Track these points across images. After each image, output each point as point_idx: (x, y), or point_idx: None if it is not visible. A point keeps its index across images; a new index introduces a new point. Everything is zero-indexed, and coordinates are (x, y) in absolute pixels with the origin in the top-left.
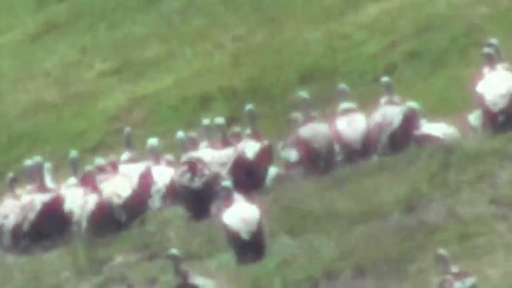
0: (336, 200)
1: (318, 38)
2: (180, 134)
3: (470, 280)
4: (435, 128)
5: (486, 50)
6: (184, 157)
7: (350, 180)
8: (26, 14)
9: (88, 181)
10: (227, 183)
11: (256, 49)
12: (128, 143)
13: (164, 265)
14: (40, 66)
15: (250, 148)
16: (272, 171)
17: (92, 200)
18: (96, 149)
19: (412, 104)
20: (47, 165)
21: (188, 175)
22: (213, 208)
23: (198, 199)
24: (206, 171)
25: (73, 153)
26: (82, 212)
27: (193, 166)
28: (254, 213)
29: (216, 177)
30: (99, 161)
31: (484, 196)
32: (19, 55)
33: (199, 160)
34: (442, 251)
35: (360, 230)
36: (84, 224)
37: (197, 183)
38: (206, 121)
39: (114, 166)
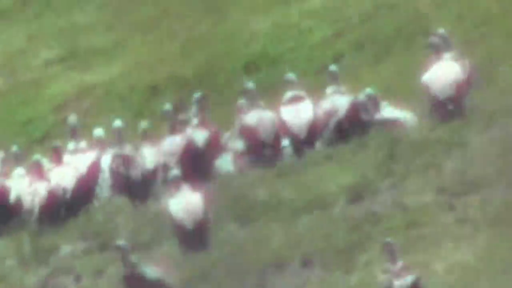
0: (282, 189)
1: (264, 26)
2: (117, 122)
3: (410, 278)
4: (394, 112)
5: (432, 40)
6: (117, 148)
7: (297, 169)
8: None
9: (36, 170)
10: (175, 172)
11: (204, 38)
12: (73, 133)
13: (112, 255)
14: None
15: (199, 136)
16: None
17: (42, 188)
18: (44, 138)
19: (369, 90)
20: (1, 155)
21: (123, 167)
22: (160, 197)
23: (135, 189)
24: (140, 162)
25: (15, 148)
26: (33, 200)
27: (126, 158)
28: (199, 202)
29: (163, 167)
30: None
31: (431, 186)
32: None
33: (133, 152)
34: (389, 240)
35: (307, 219)
36: (35, 212)
37: (133, 174)
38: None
39: (57, 154)
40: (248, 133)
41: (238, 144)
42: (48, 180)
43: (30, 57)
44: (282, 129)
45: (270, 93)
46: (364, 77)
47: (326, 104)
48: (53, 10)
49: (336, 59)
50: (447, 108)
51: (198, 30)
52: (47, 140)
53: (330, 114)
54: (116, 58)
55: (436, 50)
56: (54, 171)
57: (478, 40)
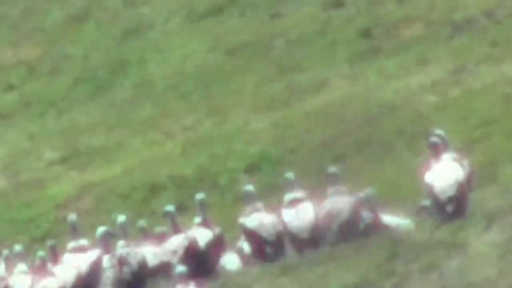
0: (284, 287)
1: (265, 127)
2: (121, 218)
3: None
4: (389, 219)
5: (432, 140)
6: (119, 246)
7: (299, 268)
8: None
9: (40, 267)
10: (181, 268)
11: (205, 138)
12: (74, 231)
13: None
14: None
15: (202, 236)
16: None
17: (52, 284)
18: (45, 237)
19: (369, 190)
20: (4, 254)
21: (117, 267)
22: None
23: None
24: (134, 263)
25: (18, 247)
26: None
27: (121, 259)
28: None
29: (165, 265)
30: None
31: (432, 286)
32: None
33: (127, 253)
34: None
35: None
36: None
37: (126, 275)
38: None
39: (54, 253)
40: (250, 236)
41: (246, 247)
42: (55, 277)
43: (32, 157)
44: (283, 230)
45: (271, 194)
46: (365, 178)
47: (327, 206)
48: (55, 110)
49: (337, 160)
50: (448, 208)
51: (199, 131)
52: (48, 239)
53: (332, 215)
54: (117, 158)
55: (436, 151)
56: (54, 269)
57: (479, 140)
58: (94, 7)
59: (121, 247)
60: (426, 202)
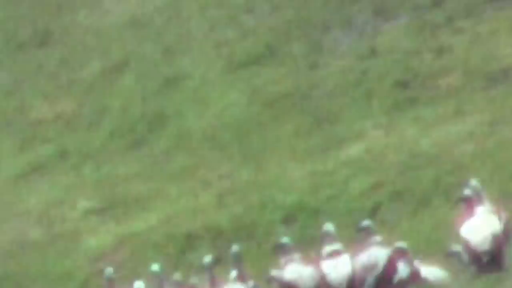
0: None
1: (302, 176)
2: (155, 267)
3: None
4: (426, 271)
5: (464, 193)
6: None
7: None
8: (9, 155)
9: None
10: None
11: (241, 187)
12: (111, 285)
13: None
14: (24, 206)
15: None
16: None
17: None
18: None
19: (401, 244)
20: None
21: None
22: None
23: None
24: None
25: None
26: None
27: None
28: None
29: None
30: None
31: None
32: (2, 196)
33: None
34: None
35: None
36: None
37: None
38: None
39: None
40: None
41: None
42: None
43: (67, 208)
44: (322, 283)
45: (309, 245)
46: (401, 230)
47: (364, 258)
48: (91, 162)
49: (375, 210)
50: (484, 261)
51: (235, 180)
52: None
53: (368, 268)
54: (153, 208)
55: (469, 204)
56: None
57: None
58: (132, 58)
59: None
60: (456, 247)
